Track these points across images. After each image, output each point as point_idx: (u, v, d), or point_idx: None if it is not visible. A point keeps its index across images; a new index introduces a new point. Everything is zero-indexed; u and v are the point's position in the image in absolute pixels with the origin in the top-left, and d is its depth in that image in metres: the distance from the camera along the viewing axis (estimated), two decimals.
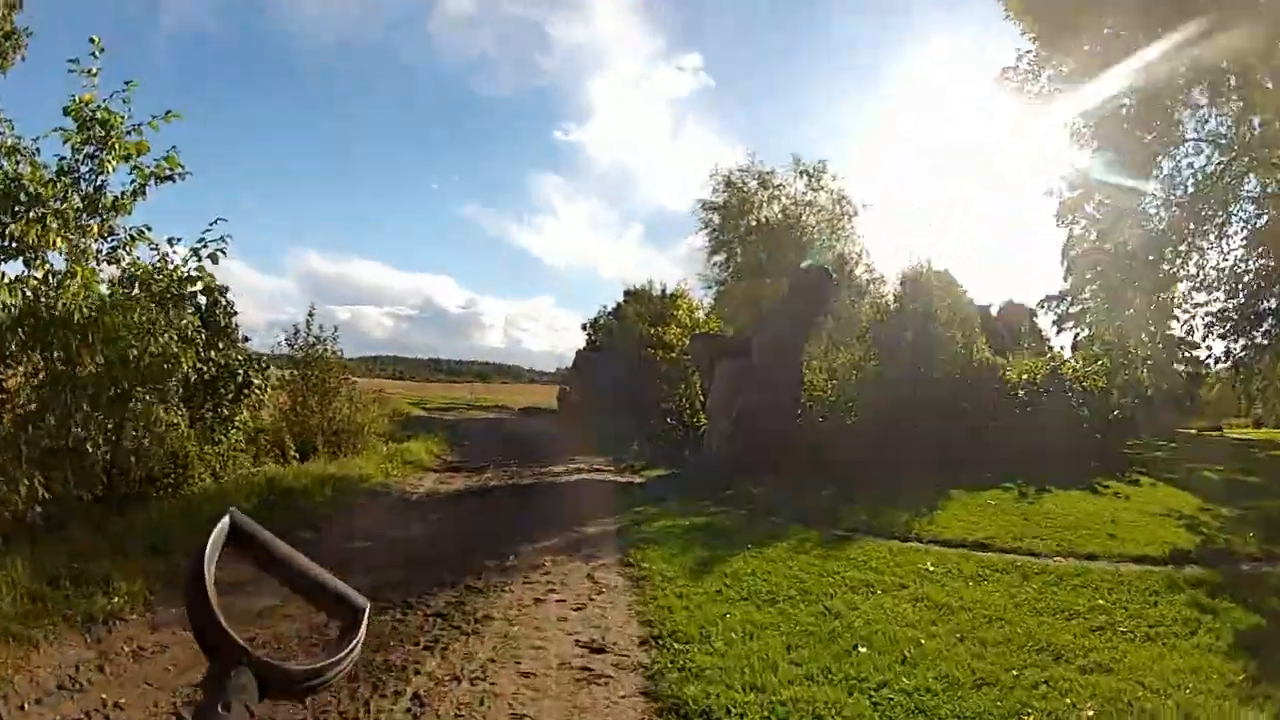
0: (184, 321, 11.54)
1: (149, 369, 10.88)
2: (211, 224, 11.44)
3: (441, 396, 64.06)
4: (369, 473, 14.56)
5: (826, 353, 19.80)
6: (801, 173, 24.60)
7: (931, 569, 8.13)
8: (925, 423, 15.93)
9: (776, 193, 24.72)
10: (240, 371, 14.25)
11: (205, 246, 11.64)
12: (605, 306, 37.73)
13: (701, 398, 21.35)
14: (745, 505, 12.44)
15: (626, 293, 36.37)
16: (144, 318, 10.08)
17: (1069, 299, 30.87)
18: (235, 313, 14.84)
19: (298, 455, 16.22)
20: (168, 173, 9.98)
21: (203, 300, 13.99)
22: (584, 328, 38.58)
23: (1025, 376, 18.25)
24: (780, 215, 24.56)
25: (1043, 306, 32.12)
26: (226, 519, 1.09)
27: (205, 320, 13.54)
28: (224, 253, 11.69)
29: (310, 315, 19.67)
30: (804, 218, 24.46)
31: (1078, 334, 30.84)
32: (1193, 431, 29.12)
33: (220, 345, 13.82)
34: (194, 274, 11.92)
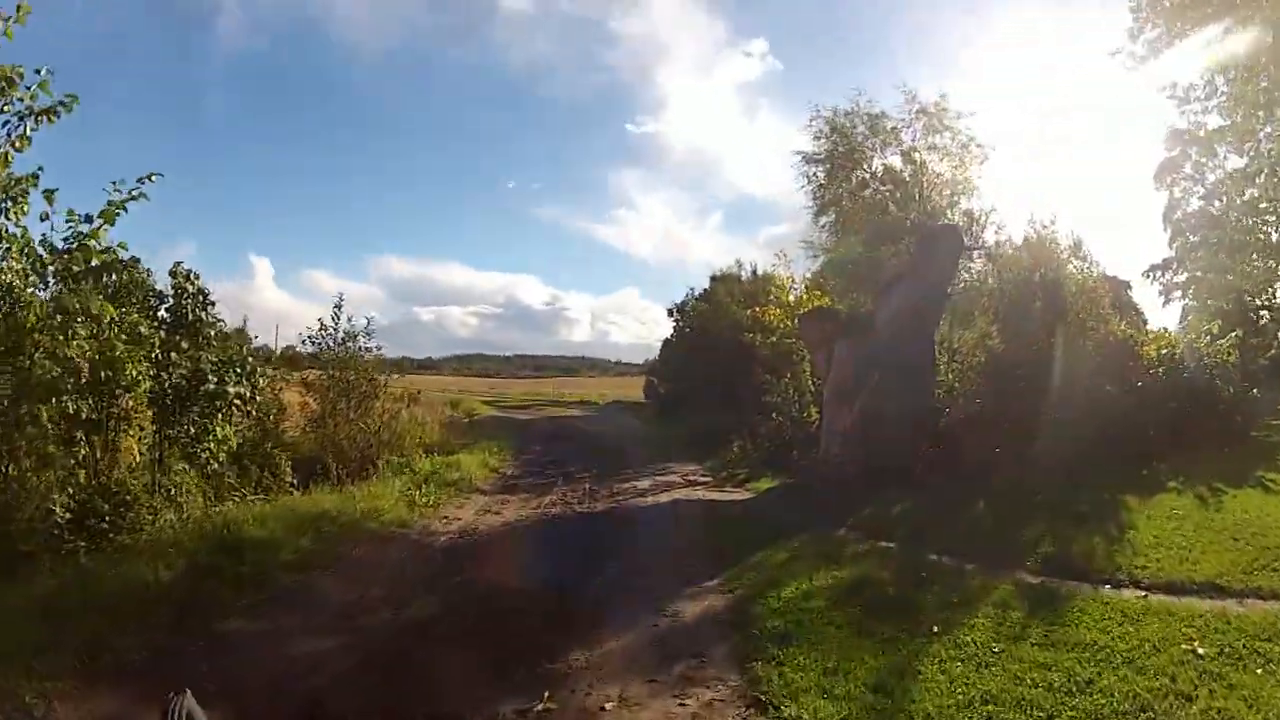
0: (133, 317, 9.30)
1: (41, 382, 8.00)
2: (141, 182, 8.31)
3: (523, 393, 61.39)
4: (384, 505, 10.75)
5: (950, 328, 17.00)
6: (919, 112, 19.57)
7: (1202, 653, 5.54)
8: (1063, 410, 13.37)
9: (890, 138, 19.76)
10: (212, 379, 10.87)
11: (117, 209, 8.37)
12: (692, 290, 33.47)
13: (813, 388, 17.23)
14: (892, 535, 9.49)
15: (713, 278, 32.74)
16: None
17: (1175, 266, 28.33)
18: (212, 303, 11.56)
19: (323, 476, 12.73)
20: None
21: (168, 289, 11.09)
22: (670, 313, 34.12)
23: (1165, 351, 15.50)
24: (899, 163, 19.63)
25: (1147, 276, 28.95)
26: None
27: (174, 315, 11.03)
28: (125, 210, 8.31)
29: (338, 308, 16.19)
30: (926, 165, 19.49)
31: (1186, 304, 27.97)
32: None
33: (185, 346, 10.49)
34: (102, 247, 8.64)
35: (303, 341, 16.67)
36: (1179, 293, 28.54)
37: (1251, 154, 22.48)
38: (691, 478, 15.25)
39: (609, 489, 13.75)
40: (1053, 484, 10.97)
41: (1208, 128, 22.48)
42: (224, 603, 6.81)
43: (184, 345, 10.90)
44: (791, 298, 21.68)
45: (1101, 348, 14.78)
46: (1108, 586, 7.20)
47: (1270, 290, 23.72)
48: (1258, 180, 22.84)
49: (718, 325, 27.73)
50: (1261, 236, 24.11)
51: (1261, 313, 23.45)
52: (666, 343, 35.13)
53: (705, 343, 28.28)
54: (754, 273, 31.33)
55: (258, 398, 12.36)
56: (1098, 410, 13.57)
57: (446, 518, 11.05)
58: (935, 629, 5.91)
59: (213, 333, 11.70)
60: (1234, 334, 16.73)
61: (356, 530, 9.50)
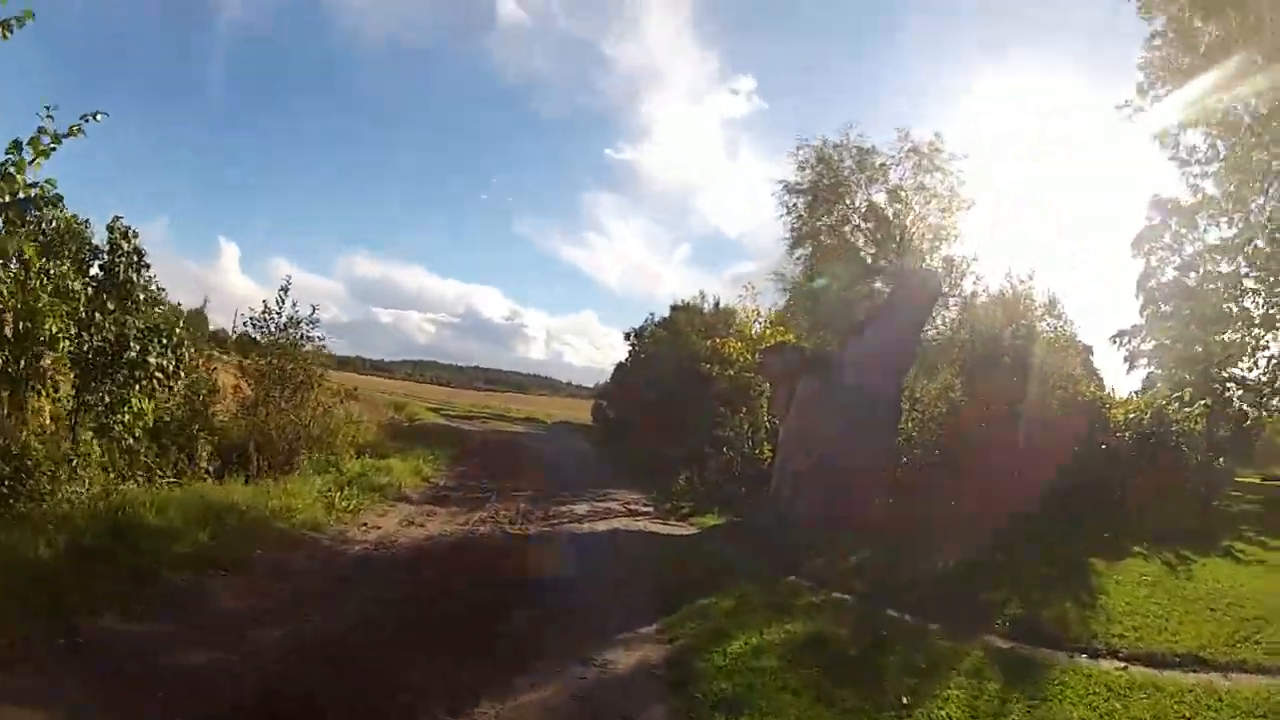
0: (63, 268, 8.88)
1: None
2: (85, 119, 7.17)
3: (471, 404, 60.15)
4: (299, 505, 9.90)
5: (915, 377, 16.27)
6: (910, 150, 19.36)
7: None
8: (1027, 468, 13.13)
9: (878, 174, 19.51)
10: (135, 346, 10.07)
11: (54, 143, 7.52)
12: (652, 315, 32.80)
13: (769, 425, 16.75)
14: (848, 586, 8.87)
15: (674, 307, 32.11)
16: None
17: (1143, 333, 28.28)
18: (147, 265, 10.77)
19: (240, 466, 11.77)
20: None
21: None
22: (627, 336, 33.31)
23: (1133, 415, 15.41)
24: (884, 201, 19.35)
25: (1114, 341, 28.95)
26: None
27: (106, 273, 10.26)
28: (60, 143, 7.46)
29: (284, 291, 15.29)
30: (912, 205, 19.24)
31: (1152, 372, 28.29)
32: (1257, 480, 24.15)
33: (111, 308, 9.69)
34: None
35: (245, 323, 15.83)
36: (1145, 360, 28.73)
37: (1241, 224, 22.92)
38: (634, 507, 14.63)
39: (545, 510, 13.03)
40: (1014, 543, 10.68)
41: (1205, 192, 22.91)
42: (102, 595, 6.00)
43: (110, 306, 10.11)
44: (755, 330, 21.30)
45: (1069, 407, 14.61)
46: (1084, 656, 6.84)
47: (1240, 362, 24.18)
48: (1246, 250, 22.99)
49: (675, 353, 26.94)
50: (1239, 309, 24.22)
51: (1228, 385, 24.30)
52: (620, 366, 34.12)
53: (660, 370, 27.35)
54: (716, 305, 30.98)
55: (182, 372, 11.53)
56: (1062, 470, 13.42)
57: (365, 525, 10.24)
58: (904, 699, 5.40)
59: (143, 296, 10.90)
60: (1202, 402, 16.62)
61: (264, 529, 8.64)
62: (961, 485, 13.09)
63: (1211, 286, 25.01)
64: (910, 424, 14.77)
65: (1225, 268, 24.47)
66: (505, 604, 7.14)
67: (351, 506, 10.86)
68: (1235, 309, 24.36)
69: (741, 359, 20.68)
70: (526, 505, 13.35)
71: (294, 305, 15.25)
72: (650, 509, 14.57)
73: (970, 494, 12.78)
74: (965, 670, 6.11)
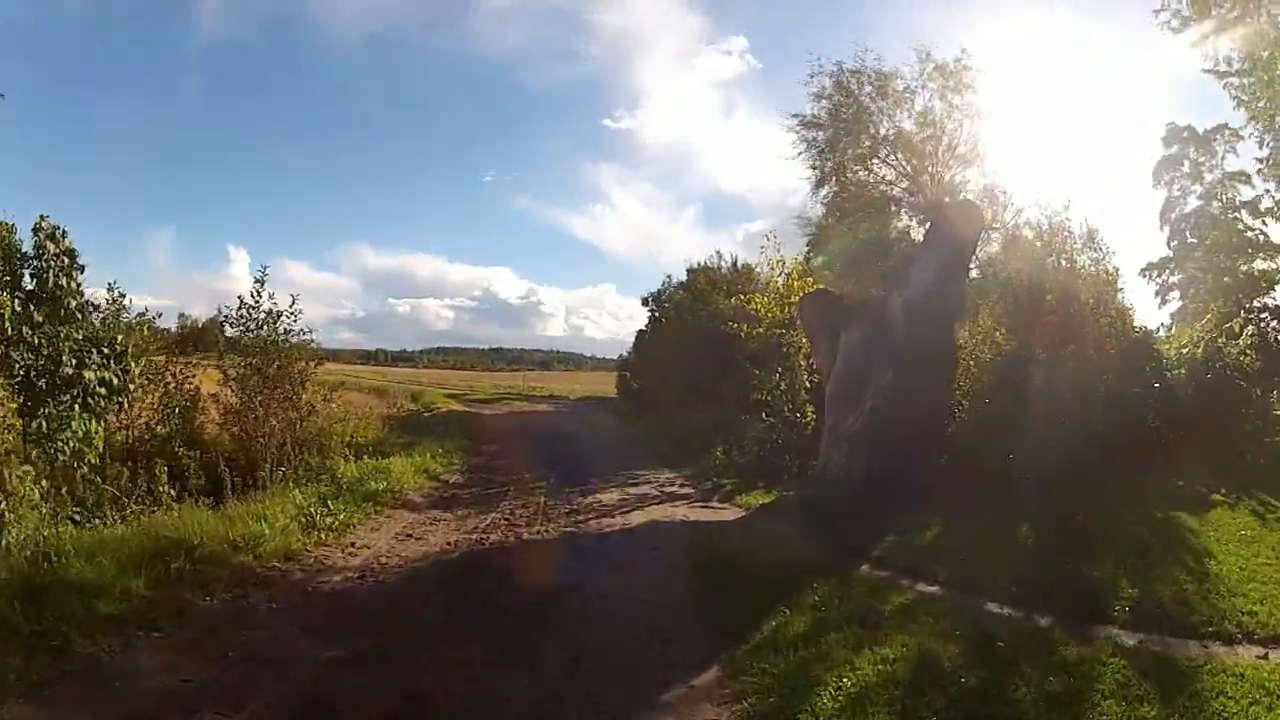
0: None
1: None
2: None
3: (494, 386, 58.85)
4: (270, 530, 8.16)
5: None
6: (934, 70, 17.17)
7: None
8: (1082, 413, 11.92)
9: (901, 99, 17.45)
10: (70, 362, 8.59)
11: None
12: (670, 277, 30.81)
13: (809, 385, 15.01)
14: (931, 573, 7.61)
15: (690, 269, 30.06)
16: None
17: (1172, 266, 27.42)
18: (80, 268, 9.37)
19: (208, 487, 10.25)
20: None
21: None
22: (645, 302, 31.25)
23: (1185, 351, 14.65)
24: (913, 128, 17.31)
25: (1144, 275, 27.83)
26: None
27: (37, 282, 9.29)
28: None
29: (259, 283, 13.77)
30: (945, 129, 17.16)
31: (1185, 304, 26.80)
32: None
33: (39, 320, 8.25)
34: None
35: (223, 321, 14.32)
36: (1176, 293, 27.63)
37: (1272, 144, 21.35)
38: (669, 489, 13.08)
39: (568, 503, 11.44)
40: (1083, 498, 9.56)
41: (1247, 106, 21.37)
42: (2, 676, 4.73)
43: (38, 319, 8.65)
44: (781, 282, 19.43)
45: (1119, 345, 13.54)
46: (1218, 644, 5.85)
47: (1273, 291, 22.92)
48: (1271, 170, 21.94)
49: (697, 315, 25.33)
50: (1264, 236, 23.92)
51: (1262, 314, 22.64)
52: (641, 335, 32.09)
53: (684, 335, 25.68)
54: (734, 264, 29.23)
55: (132, 385, 10.04)
56: (1118, 413, 12.26)
57: (353, 545, 8.63)
58: None
59: (74, 303, 9.40)
60: (1249, 331, 15.46)
61: (219, 566, 7.03)
62: (1014, 437, 11.75)
63: (1234, 214, 24.64)
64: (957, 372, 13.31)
65: (1248, 194, 24.11)
66: (511, 655, 5.54)
67: (338, 522, 9.21)
68: (1262, 236, 23.99)
69: (770, 315, 18.87)
70: (547, 498, 11.76)
71: (271, 296, 13.78)
72: (689, 490, 13.03)
73: (1026, 446, 11.44)
74: (1109, 690, 4.84)
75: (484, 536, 9.31)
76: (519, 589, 7.27)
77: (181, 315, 18.16)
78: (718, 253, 30.32)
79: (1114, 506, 9.36)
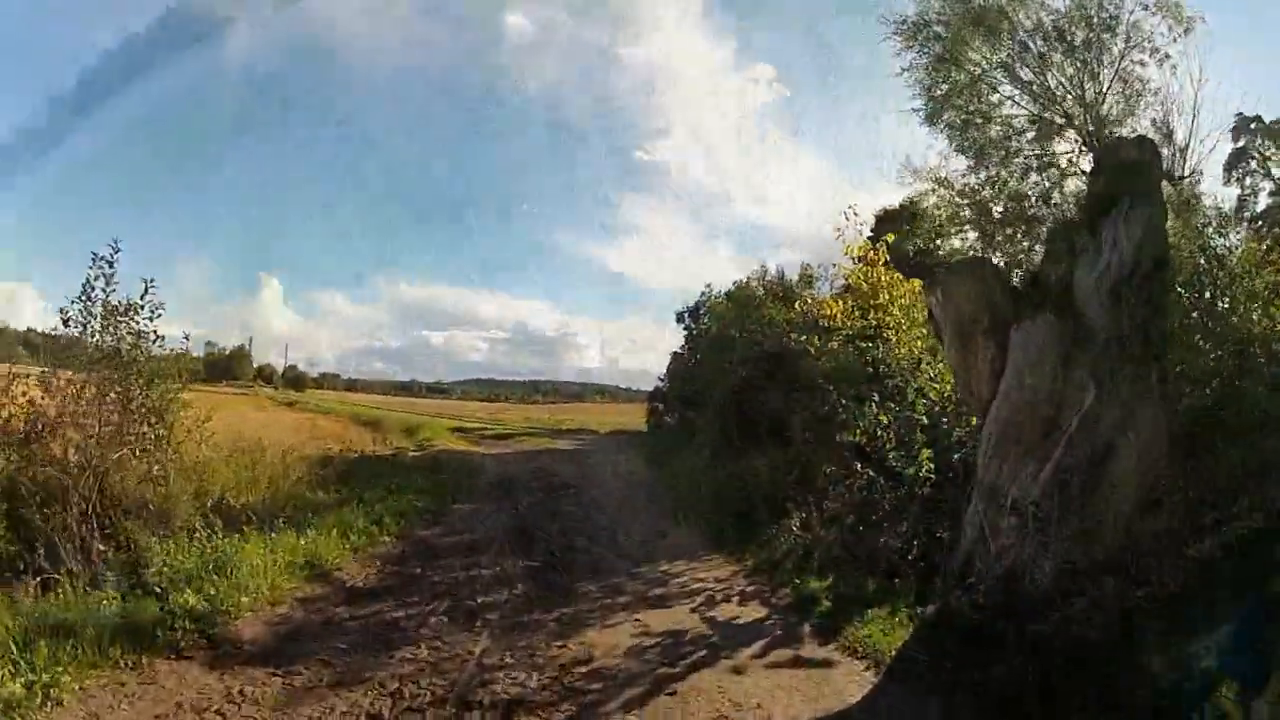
0: None
1: None
2: None
3: (525, 419, 53.76)
4: None
5: None
6: None
7: None
8: None
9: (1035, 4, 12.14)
10: None
11: None
12: (710, 286, 24.59)
13: (924, 420, 9.78)
14: None
15: (735, 284, 24.26)
16: None
17: None
18: None
19: None
20: None
21: None
22: (679, 318, 25.26)
23: None
24: (1058, 31, 11.90)
25: None
26: None
27: None
28: None
29: (106, 263, 8.99)
30: (1113, 40, 11.86)
31: None
32: None
33: None
34: None
35: (64, 321, 9.39)
36: None
37: None
38: (723, 606, 7.70)
39: (529, 658, 6.11)
40: None
41: None
42: None
43: None
44: (860, 271, 13.84)
45: None
46: None
47: None
48: None
49: (747, 328, 19.83)
50: None
51: None
52: (676, 356, 26.16)
53: (728, 355, 20.10)
54: (781, 276, 23.86)
55: None
56: None
57: None
58: None
59: None
60: None
61: None
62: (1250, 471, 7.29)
63: None
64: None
65: None
66: None
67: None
68: None
69: (851, 324, 13.52)
70: (493, 640, 6.43)
71: (108, 287, 8.96)
72: (756, 608, 7.64)
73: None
74: None
75: None
76: None
77: None
78: (763, 266, 24.90)
79: None
